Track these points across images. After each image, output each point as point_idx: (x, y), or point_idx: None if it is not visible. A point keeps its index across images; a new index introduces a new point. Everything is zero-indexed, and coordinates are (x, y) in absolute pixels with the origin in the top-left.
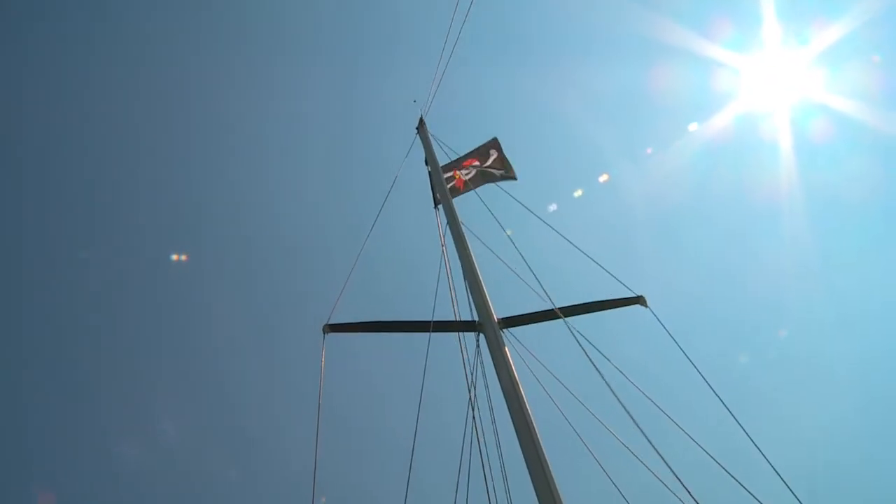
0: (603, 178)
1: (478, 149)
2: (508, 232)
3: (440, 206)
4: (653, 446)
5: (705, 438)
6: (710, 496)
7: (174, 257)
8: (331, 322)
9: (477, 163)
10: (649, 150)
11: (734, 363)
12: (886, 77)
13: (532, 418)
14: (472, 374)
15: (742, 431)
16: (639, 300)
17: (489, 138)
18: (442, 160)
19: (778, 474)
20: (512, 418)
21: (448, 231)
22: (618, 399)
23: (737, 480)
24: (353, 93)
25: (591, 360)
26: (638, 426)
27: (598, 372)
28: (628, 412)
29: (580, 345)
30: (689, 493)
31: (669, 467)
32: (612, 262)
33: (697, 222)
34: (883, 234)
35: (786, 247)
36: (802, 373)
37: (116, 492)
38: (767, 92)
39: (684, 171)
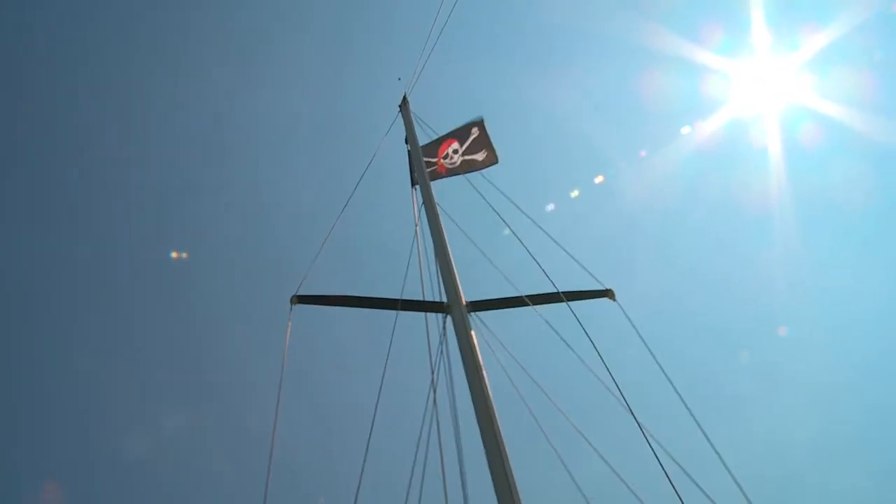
0: (598, 179)
1: (459, 128)
2: (511, 222)
3: (417, 187)
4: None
5: (668, 437)
6: (664, 493)
7: (170, 253)
8: (299, 294)
9: (456, 144)
10: (643, 153)
11: (719, 367)
12: (876, 82)
13: (492, 402)
14: (436, 356)
15: (703, 434)
16: (607, 293)
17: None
18: (423, 141)
19: (731, 475)
20: (473, 400)
21: (423, 212)
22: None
23: (685, 473)
24: (337, 66)
25: (569, 346)
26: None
27: (580, 359)
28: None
29: (554, 330)
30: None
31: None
32: (596, 262)
33: (688, 226)
34: (871, 239)
35: (776, 251)
36: (790, 379)
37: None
38: (757, 97)
39: (675, 175)
